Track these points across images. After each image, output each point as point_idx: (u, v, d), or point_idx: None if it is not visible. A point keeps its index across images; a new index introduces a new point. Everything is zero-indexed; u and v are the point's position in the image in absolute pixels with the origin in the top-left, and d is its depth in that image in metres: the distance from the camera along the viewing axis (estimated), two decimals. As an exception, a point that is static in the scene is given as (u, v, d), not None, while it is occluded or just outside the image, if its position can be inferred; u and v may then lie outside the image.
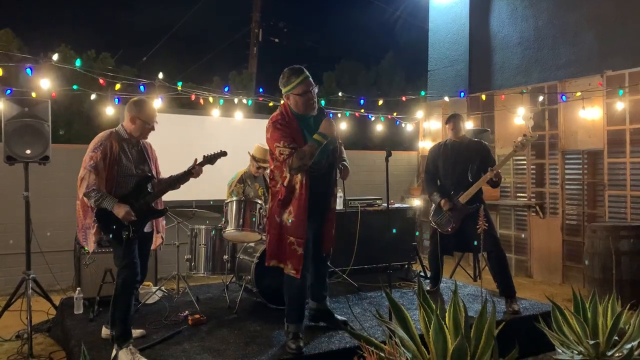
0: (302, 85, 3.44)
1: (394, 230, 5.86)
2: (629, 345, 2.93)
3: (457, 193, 4.66)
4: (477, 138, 5.16)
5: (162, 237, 3.95)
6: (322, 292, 4.02)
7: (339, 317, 4.04)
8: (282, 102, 3.73)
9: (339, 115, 7.99)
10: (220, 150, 3.82)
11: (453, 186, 4.72)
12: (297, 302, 3.63)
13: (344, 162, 3.74)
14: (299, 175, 3.43)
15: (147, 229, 3.72)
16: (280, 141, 3.39)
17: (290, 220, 3.49)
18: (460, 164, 4.72)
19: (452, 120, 4.88)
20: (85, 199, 3.44)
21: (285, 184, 3.47)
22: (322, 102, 3.51)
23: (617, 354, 2.98)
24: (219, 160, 3.85)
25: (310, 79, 3.49)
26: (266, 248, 3.69)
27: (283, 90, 3.54)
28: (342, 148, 3.87)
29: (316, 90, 3.51)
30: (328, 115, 3.71)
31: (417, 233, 6.32)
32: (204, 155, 3.78)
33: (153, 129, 3.65)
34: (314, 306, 4.05)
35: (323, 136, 3.39)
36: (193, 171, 3.71)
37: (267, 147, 5.03)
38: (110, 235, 3.47)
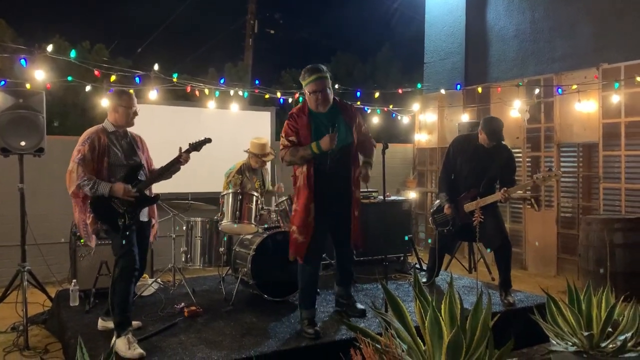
0: (311, 85, 3.63)
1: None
2: (622, 337, 2.96)
3: (466, 199, 4.55)
4: (473, 131, 5.09)
5: (155, 225, 3.97)
6: (342, 279, 4.23)
7: (359, 305, 4.19)
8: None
9: None
10: (205, 138, 3.87)
11: (465, 190, 4.57)
12: (308, 288, 3.84)
13: (367, 165, 3.88)
14: (304, 168, 3.67)
15: (144, 217, 3.76)
16: (284, 134, 3.70)
17: (295, 209, 3.75)
18: (479, 170, 4.52)
19: (500, 128, 4.43)
20: (79, 190, 3.46)
21: (295, 173, 3.76)
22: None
23: (610, 345, 3.00)
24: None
25: (324, 79, 3.62)
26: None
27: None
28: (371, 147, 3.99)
29: (328, 88, 3.62)
30: (347, 115, 3.81)
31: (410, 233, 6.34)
32: (190, 143, 3.83)
33: (136, 113, 3.72)
34: (337, 290, 4.27)
35: (319, 148, 3.58)
36: (181, 159, 3.75)
37: (263, 141, 5.12)
38: (106, 225, 3.50)
